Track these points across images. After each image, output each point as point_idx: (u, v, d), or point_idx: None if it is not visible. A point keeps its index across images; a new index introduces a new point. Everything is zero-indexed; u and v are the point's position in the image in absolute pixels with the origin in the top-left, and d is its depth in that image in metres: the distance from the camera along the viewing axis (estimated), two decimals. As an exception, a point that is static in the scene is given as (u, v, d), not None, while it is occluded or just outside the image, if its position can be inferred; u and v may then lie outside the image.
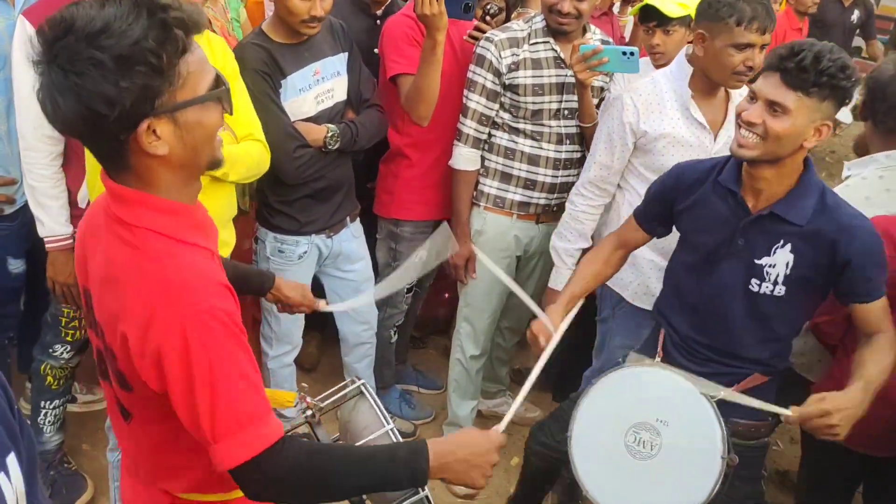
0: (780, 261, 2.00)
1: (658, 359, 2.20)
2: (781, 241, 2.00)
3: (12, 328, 3.01)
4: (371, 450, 1.49)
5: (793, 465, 3.10)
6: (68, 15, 1.21)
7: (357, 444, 1.71)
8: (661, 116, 2.46)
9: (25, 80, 2.40)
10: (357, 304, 2.60)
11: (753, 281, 2.03)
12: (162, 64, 1.21)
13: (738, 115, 1.96)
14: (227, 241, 2.56)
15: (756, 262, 2.02)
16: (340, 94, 2.79)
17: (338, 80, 2.77)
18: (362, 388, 1.80)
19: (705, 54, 2.36)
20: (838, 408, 1.81)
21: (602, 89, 2.90)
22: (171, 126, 1.26)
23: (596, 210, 2.68)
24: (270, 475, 1.33)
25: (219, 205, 2.39)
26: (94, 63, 1.18)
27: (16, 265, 2.78)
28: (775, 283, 2.02)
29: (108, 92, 1.18)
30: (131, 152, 1.26)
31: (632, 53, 2.49)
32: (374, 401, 1.76)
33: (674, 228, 2.26)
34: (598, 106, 2.83)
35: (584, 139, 2.85)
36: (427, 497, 1.67)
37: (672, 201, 2.18)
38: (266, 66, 2.58)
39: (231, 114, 1.37)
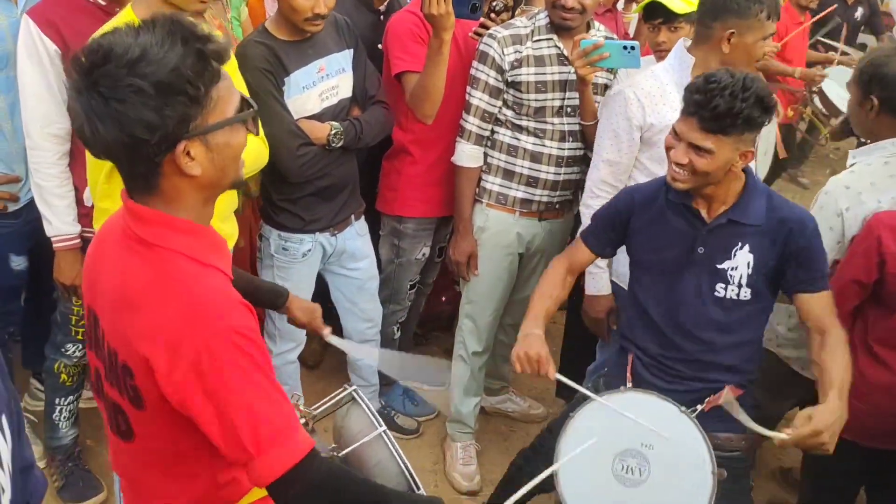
0: (741, 262, 2.07)
1: (629, 384, 2.19)
2: (739, 243, 2.07)
3: (14, 324, 3.03)
4: (396, 492, 1.58)
5: (795, 463, 3.10)
6: (106, 43, 1.24)
7: (351, 447, 1.73)
8: (665, 108, 2.46)
9: (31, 80, 2.40)
10: (358, 354, 2.59)
11: (718, 286, 2.09)
12: (199, 93, 1.26)
13: (667, 150, 2.04)
14: (230, 233, 2.56)
15: (718, 266, 2.08)
16: (345, 90, 2.79)
17: (342, 76, 2.77)
18: (354, 395, 1.82)
19: (732, 51, 2.38)
20: (827, 424, 1.84)
21: (606, 87, 2.90)
22: (202, 148, 1.31)
23: None
24: (307, 484, 1.36)
25: (221, 201, 2.38)
26: (134, 90, 1.22)
27: (18, 262, 2.79)
28: (739, 285, 2.08)
29: (148, 118, 1.23)
30: (163, 174, 1.31)
31: (633, 48, 2.48)
32: (366, 405, 1.79)
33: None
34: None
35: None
36: (385, 431, 1.75)
37: (625, 224, 2.23)
38: (269, 64, 2.58)
39: (257, 135, 1.42)
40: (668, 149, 2.04)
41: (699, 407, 2.07)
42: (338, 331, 3.26)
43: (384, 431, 1.74)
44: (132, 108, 1.22)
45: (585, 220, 2.60)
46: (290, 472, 1.33)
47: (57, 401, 2.87)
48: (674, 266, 2.13)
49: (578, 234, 2.37)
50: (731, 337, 2.12)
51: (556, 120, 2.79)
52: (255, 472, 1.33)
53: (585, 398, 2.07)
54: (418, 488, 1.73)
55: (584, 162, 2.94)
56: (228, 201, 2.49)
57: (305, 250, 2.82)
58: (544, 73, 2.76)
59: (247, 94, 2.40)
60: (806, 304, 2.07)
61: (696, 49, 2.46)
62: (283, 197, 2.77)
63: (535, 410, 3.57)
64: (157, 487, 1.50)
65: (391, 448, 1.75)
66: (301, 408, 1.81)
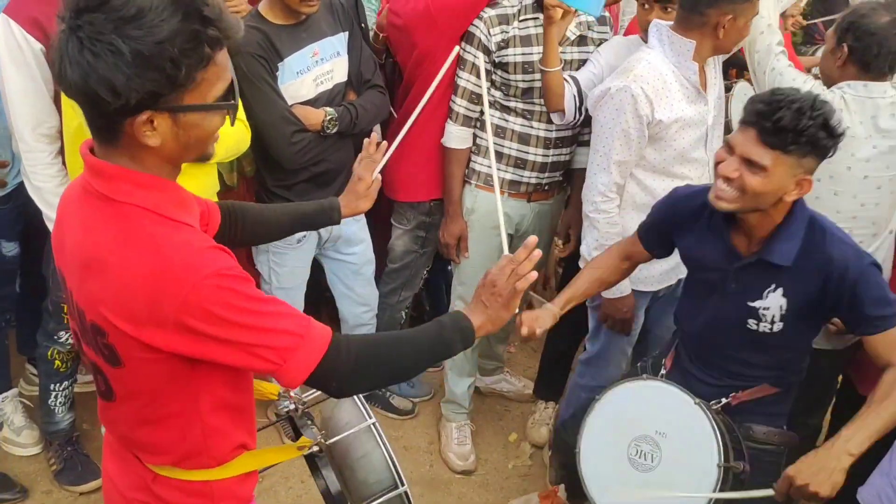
0: (773, 304, 1.97)
1: (665, 370, 2.23)
2: (773, 285, 1.96)
3: (9, 310, 3.03)
4: (419, 328, 1.56)
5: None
6: None
7: (338, 437, 1.74)
8: (670, 102, 2.43)
9: (16, 83, 2.36)
10: None
11: (750, 321, 2.02)
12: (178, 74, 1.18)
13: (716, 165, 1.92)
14: None
15: (750, 304, 2.00)
16: (340, 75, 2.75)
17: (337, 60, 2.73)
18: None
19: (726, 35, 2.36)
20: (803, 475, 1.73)
21: (581, 63, 2.83)
22: (169, 122, 1.24)
23: (625, 205, 2.62)
24: (341, 370, 1.40)
25: (200, 183, 2.39)
26: (112, 50, 1.15)
27: (9, 248, 2.79)
28: (772, 322, 1.99)
29: (115, 82, 1.15)
30: (123, 133, 1.24)
31: None
32: (358, 396, 1.79)
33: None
34: (580, 97, 2.72)
35: None
36: (406, 493, 1.73)
37: (668, 233, 2.18)
38: (262, 49, 2.54)
39: (233, 125, 1.36)
40: (717, 163, 1.91)
41: (724, 400, 2.07)
42: (334, 315, 3.30)
43: (373, 424, 1.75)
44: (103, 66, 1.15)
45: (603, 228, 2.52)
46: (320, 367, 1.37)
47: (52, 386, 2.88)
48: (710, 290, 2.07)
49: (637, 231, 2.31)
50: (766, 359, 2.07)
51: (543, 101, 2.75)
52: (285, 378, 1.36)
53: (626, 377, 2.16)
54: (403, 484, 1.74)
55: (572, 143, 2.93)
56: (209, 186, 2.48)
57: (300, 236, 2.82)
58: (531, 54, 2.72)
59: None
60: (873, 346, 1.92)
61: (686, 34, 2.41)
62: (278, 183, 2.76)
63: (529, 390, 3.60)
64: (140, 444, 1.50)
65: (379, 441, 1.75)
66: (291, 394, 1.82)
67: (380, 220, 3.26)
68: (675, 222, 2.14)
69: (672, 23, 2.46)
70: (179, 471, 1.49)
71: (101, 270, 1.29)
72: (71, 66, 1.17)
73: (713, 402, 2.07)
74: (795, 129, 1.76)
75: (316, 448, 1.72)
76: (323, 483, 1.71)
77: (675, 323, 2.33)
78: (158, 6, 1.16)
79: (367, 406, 1.82)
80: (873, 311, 1.88)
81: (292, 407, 1.81)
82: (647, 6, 2.65)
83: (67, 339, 2.79)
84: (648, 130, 2.44)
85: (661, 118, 2.41)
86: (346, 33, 2.76)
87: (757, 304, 1.99)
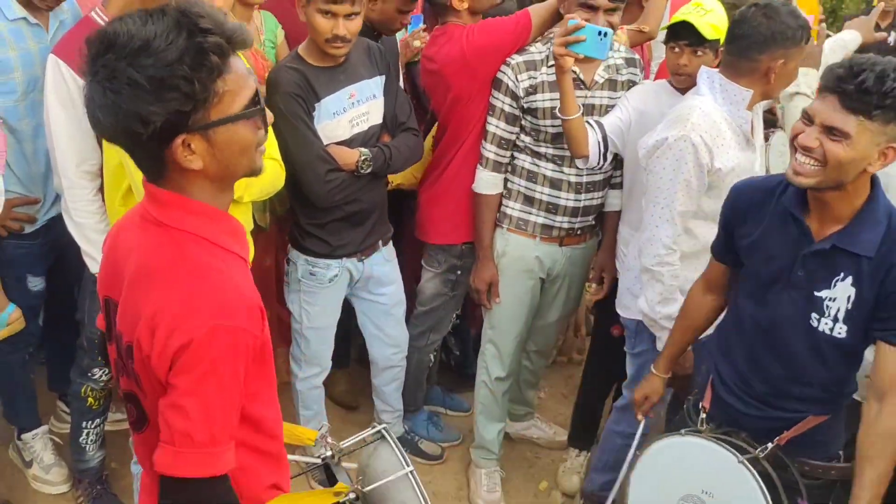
0: (840, 294, 1.86)
1: (704, 412, 2.16)
2: (842, 274, 1.86)
3: (32, 345, 3.04)
4: None
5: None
6: (111, 31, 1.24)
7: (376, 484, 1.71)
8: (726, 150, 2.37)
9: (62, 121, 2.42)
10: None
11: (813, 315, 1.91)
12: (194, 89, 1.23)
13: (793, 139, 1.84)
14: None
15: (816, 294, 1.89)
16: (376, 117, 2.80)
17: (373, 102, 2.78)
18: (384, 433, 1.81)
19: (777, 78, 2.33)
20: None
21: (631, 84, 2.84)
22: (203, 142, 1.29)
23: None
24: (194, 501, 1.34)
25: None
26: (130, 83, 1.21)
27: (35, 283, 2.82)
28: (835, 319, 1.88)
29: (142, 111, 1.22)
30: (167, 164, 1.31)
31: (605, 34, 2.43)
32: (395, 444, 1.78)
33: None
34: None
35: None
36: (412, 472, 1.72)
37: (734, 226, 2.07)
38: (300, 89, 2.59)
39: (266, 131, 1.39)
40: (794, 136, 1.82)
41: (770, 445, 1.98)
42: (363, 356, 3.28)
43: (411, 472, 1.73)
44: (127, 100, 1.21)
45: (668, 281, 2.45)
46: (193, 481, 1.31)
47: (84, 424, 2.89)
48: (774, 281, 1.96)
49: (710, 248, 2.26)
50: (818, 368, 1.95)
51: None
52: (165, 458, 1.31)
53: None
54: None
55: (604, 187, 2.92)
56: (243, 220, 2.50)
57: (332, 275, 2.82)
58: (559, 98, 2.70)
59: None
60: (882, 358, 1.85)
61: (736, 80, 2.37)
62: (311, 222, 2.78)
63: (560, 437, 3.53)
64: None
65: (417, 490, 1.72)
66: (329, 440, 1.79)
67: (409, 262, 3.27)
68: (739, 214, 2.05)
69: (718, 69, 2.44)
70: None
71: (149, 284, 1.33)
72: (101, 111, 1.24)
73: (761, 448, 1.98)
74: (880, 91, 1.68)
75: (353, 496, 1.69)
76: None
77: (707, 355, 2.26)
78: (161, 33, 1.22)
79: (405, 454, 1.79)
80: None
81: (329, 454, 1.79)
82: (677, 49, 2.65)
83: (101, 376, 2.80)
84: (707, 179, 2.39)
85: (719, 167, 2.36)
86: (383, 77, 2.81)
87: (824, 293, 1.88)
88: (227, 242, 1.38)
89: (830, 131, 1.75)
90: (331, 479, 1.78)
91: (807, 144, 1.78)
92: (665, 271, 2.46)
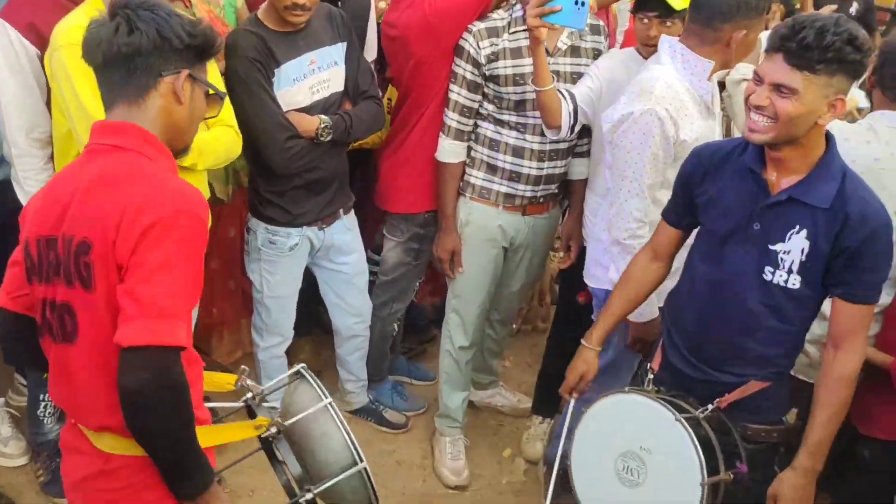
0: (794, 247, 1.91)
1: (652, 373, 2.18)
2: (797, 227, 1.90)
3: None
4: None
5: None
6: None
7: (296, 417, 1.75)
8: (690, 120, 2.37)
9: (11, 88, 2.35)
10: None
11: (767, 269, 1.95)
12: (211, 47, 1.60)
13: (747, 99, 1.88)
14: None
15: (770, 247, 1.92)
16: (337, 84, 2.76)
17: (335, 70, 2.74)
18: (302, 371, 1.85)
19: (738, 48, 2.33)
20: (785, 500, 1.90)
21: (596, 52, 2.83)
22: (190, 90, 1.56)
23: None
24: (153, 373, 1.40)
25: None
26: (172, 15, 1.54)
27: None
28: (789, 271, 1.93)
29: (180, 33, 1.52)
30: (155, 90, 1.53)
31: (583, 3, 2.38)
32: (314, 381, 1.82)
33: None
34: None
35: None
36: (365, 469, 1.76)
37: (693, 185, 2.10)
38: (258, 54, 2.55)
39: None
40: (747, 97, 1.87)
41: (710, 407, 2.02)
42: (326, 325, 3.27)
43: (330, 404, 1.76)
44: (170, 22, 1.51)
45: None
46: (152, 350, 1.39)
47: (41, 396, 2.84)
48: (730, 234, 2.00)
49: (661, 214, 2.26)
50: (772, 322, 1.99)
51: (536, 114, 2.72)
52: (132, 330, 1.39)
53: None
54: (361, 460, 1.75)
55: (566, 155, 2.91)
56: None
57: (293, 244, 2.80)
58: (522, 66, 2.70)
59: (218, 75, 2.44)
60: (838, 309, 1.93)
61: (698, 50, 2.36)
62: (271, 189, 2.74)
63: (524, 404, 3.55)
64: (98, 401, 1.52)
65: (336, 420, 1.75)
66: (249, 382, 1.82)
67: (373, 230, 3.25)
68: (700, 173, 2.07)
69: (679, 38, 2.43)
70: (128, 443, 1.51)
71: (108, 191, 1.47)
72: (144, 23, 1.49)
73: (701, 409, 2.02)
74: (820, 45, 1.73)
75: (274, 429, 1.73)
76: (282, 472, 1.75)
77: (663, 314, 2.28)
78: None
79: (324, 389, 1.81)
80: (865, 276, 1.89)
81: (250, 395, 1.83)
82: (646, 21, 2.63)
83: None
84: (673, 150, 2.39)
85: (684, 138, 2.36)
86: (345, 44, 2.77)
87: (778, 246, 1.93)
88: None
89: (779, 88, 1.80)
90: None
91: (758, 103, 1.83)
92: (636, 244, 2.45)
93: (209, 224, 1.56)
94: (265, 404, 1.84)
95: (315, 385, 1.81)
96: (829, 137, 1.91)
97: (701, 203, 2.07)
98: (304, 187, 2.73)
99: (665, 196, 2.46)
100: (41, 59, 2.33)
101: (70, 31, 2.14)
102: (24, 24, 2.32)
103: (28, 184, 2.44)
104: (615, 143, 2.43)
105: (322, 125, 2.65)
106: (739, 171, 1.98)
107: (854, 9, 6.69)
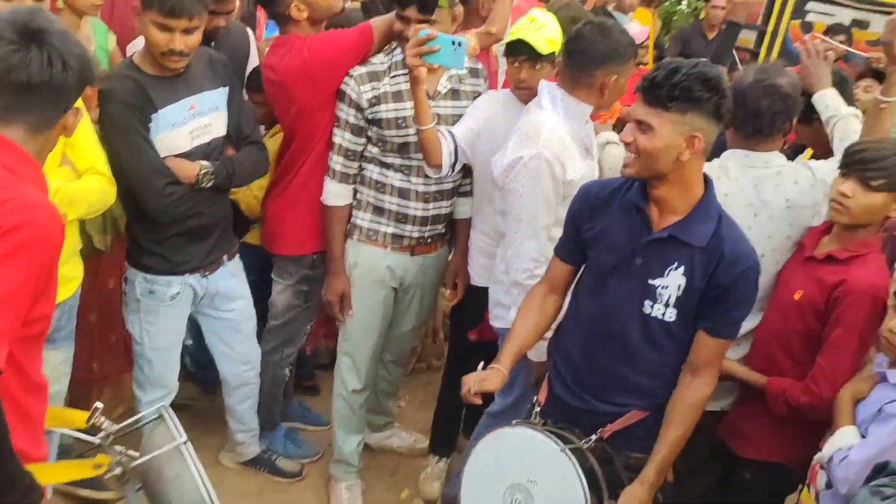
0: (672, 282, 2.01)
1: (539, 406, 2.23)
2: (676, 263, 2.00)
3: None
4: None
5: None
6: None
7: (147, 456, 1.72)
8: (574, 161, 2.46)
9: None
10: None
11: (646, 302, 2.04)
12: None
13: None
14: (72, 276, 2.48)
15: (650, 282, 2.02)
16: (219, 129, 2.71)
17: (216, 115, 2.69)
18: (163, 412, 1.82)
19: (610, 93, 2.47)
20: None
21: (476, 94, 2.89)
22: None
23: None
24: None
25: None
26: (85, 50, 1.59)
27: None
28: (667, 304, 2.02)
29: (95, 73, 1.60)
30: (57, 125, 1.58)
31: (459, 44, 2.46)
32: (172, 421, 1.78)
33: None
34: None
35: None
36: (186, 443, 1.74)
37: (581, 222, 2.18)
38: (135, 99, 2.49)
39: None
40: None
41: (592, 438, 2.08)
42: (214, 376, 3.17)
43: (185, 443, 1.73)
44: (93, 64, 1.57)
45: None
46: None
47: None
48: (614, 269, 2.08)
49: (554, 250, 2.32)
50: (651, 354, 2.09)
51: (420, 156, 2.75)
52: None
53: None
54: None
55: (452, 195, 2.96)
56: (69, 244, 2.37)
57: (174, 293, 2.71)
58: (404, 109, 2.74)
59: (88, 122, 2.41)
60: (700, 343, 2.05)
61: (573, 94, 2.49)
62: (150, 237, 2.66)
63: (420, 444, 3.54)
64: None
65: (190, 462, 1.71)
66: (103, 421, 1.76)
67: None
68: (586, 210, 2.16)
69: (557, 82, 2.53)
70: None
71: None
72: (72, 62, 1.52)
73: (585, 440, 2.08)
74: (669, 84, 1.87)
75: (119, 470, 1.67)
76: None
77: (550, 349, 2.33)
78: None
79: (181, 429, 1.77)
80: (730, 313, 2.03)
81: (103, 434, 1.77)
82: (516, 64, 2.72)
83: None
84: (562, 191, 2.47)
85: (571, 178, 2.45)
86: (226, 88, 2.73)
87: (657, 281, 2.02)
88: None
89: (640, 125, 1.94)
90: None
91: (625, 139, 1.98)
92: (535, 283, 2.51)
93: (61, 248, 1.52)
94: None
95: (172, 426, 1.76)
96: (707, 181, 2.04)
97: (588, 238, 2.15)
98: (184, 234, 2.66)
99: (559, 233, 2.55)
100: None
101: None
102: None
103: None
104: (507, 188, 2.50)
105: (203, 171, 2.59)
106: (625, 208, 2.07)
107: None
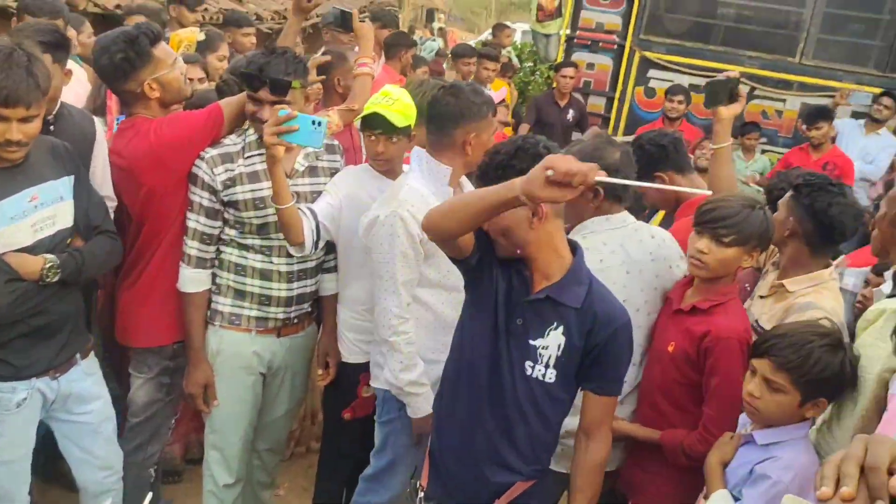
0: (552, 342, 2.06)
1: (422, 490, 2.21)
2: (555, 323, 2.05)
3: None
4: None
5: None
6: None
7: None
8: None
9: None
10: None
11: (527, 363, 2.07)
12: None
13: None
14: None
15: (531, 342, 2.06)
16: (64, 220, 2.56)
17: (61, 205, 2.55)
18: None
19: (473, 149, 2.54)
20: None
21: (333, 171, 2.90)
22: None
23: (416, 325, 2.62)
24: None
25: None
26: None
27: None
28: (547, 365, 2.06)
29: None
30: None
31: (319, 123, 2.48)
32: None
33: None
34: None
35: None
36: None
37: (491, 250, 2.17)
38: None
39: None
40: None
41: None
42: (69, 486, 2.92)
43: None
44: None
45: (405, 349, 2.54)
46: None
47: None
48: (497, 327, 2.10)
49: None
50: (533, 417, 2.11)
51: (281, 235, 2.72)
52: None
53: None
54: None
55: (316, 273, 2.93)
56: None
57: (20, 399, 2.49)
58: (261, 189, 2.71)
59: None
60: (588, 404, 2.12)
61: (439, 156, 2.56)
62: (-9, 340, 2.46)
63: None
64: None
65: None
66: None
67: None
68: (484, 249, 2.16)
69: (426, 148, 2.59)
70: None
71: None
72: None
73: None
74: (492, 165, 2.08)
75: None
76: None
77: (435, 407, 2.32)
78: None
79: None
80: (610, 371, 2.10)
81: None
82: (373, 138, 2.76)
83: None
84: (421, 249, 2.52)
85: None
86: (72, 177, 2.61)
87: (538, 342, 2.06)
88: None
89: None
90: None
91: None
92: (400, 339, 2.55)
93: None
94: None
95: None
96: (575, 247, 2.12)
97: (476, 280, 2.15)
98: (29, 335, 2.47)
99: (427, 294, 2.59)
100: None
101: None
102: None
103: None
104: (369, 246, 2.56)
105: (48, 265, 2.44)
106: (511, 269, 2.12)
107: (571, 115, 7.55)
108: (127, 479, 2.93)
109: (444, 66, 9.09)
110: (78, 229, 2.63)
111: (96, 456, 2.78)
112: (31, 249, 2.46)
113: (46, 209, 2.52)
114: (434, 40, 11.70)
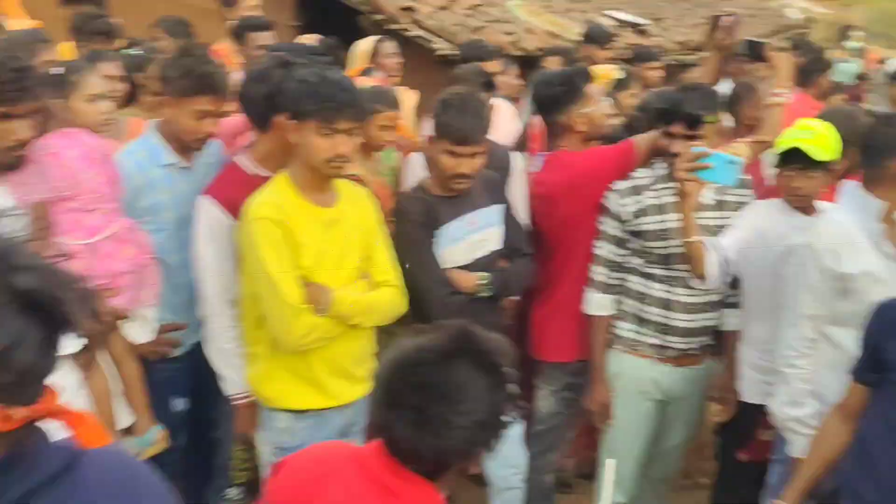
0: None
1: None
2: None
3: (174, 463, 3.01)
4: None
5: None
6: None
7: None
8: (858, 255, 2.35)
9: (211, 258, 2.61)
10: None
11: None
12: None
13: None
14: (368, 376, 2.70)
15: None
16: (494, 243, 2.93)
17: (492, 230, 2.92)
18: None
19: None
20: None
21: (721, 227, 2.85)
22: None
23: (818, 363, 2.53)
24: None
25: (358, 345, 2.58)
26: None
27: (178, 404, 2.92)
28: None
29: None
30: None
31: (734, 162, 2.48)
32: None
33: None
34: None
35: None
36: None
37: (878, 341, 2.06)
38: (424, 217, 2.78)
39: None
40: None
41: None
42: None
43: None
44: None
45: (795, 384, 2.44)
46: None
47: None
48: None
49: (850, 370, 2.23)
50: None
51: (684, 267, 2.78)
52: None
53: None
54: None
55: (717, 307, 2.91)
56: (367, 347, 2.64)
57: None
58: (667, 221, 2.80)
59: (385, 240, 2.62)
60: None
61: (871, 189, 2.38)
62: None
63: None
64: None
65: None
66: None
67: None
68: (885, 329, 2.04)
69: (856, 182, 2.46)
70: None
71: None
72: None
73: None
74: None
75: None
76: None
77: (851, 464, 2.15)
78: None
79: None
80: None
81: None
82: (790, 173, 2.67)
83: (235, 496, 2.96)
84: (837, 284, 2.38)
85: (850, 271, 2.35)
86: (502, 206, 2.97)
87: None
88: None
89: None
90: None
91: None
92: (791, 373, 2.44)
93: None
94: None
95: None
96: None
97: (890, 363, 2.01)
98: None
99: (838, 333, 2.43)
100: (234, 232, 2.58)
101: (260, 206, 2.43)
102: (227, 201, 2.58)
103: (221, 339, 2.64)
104: (780, 275, 2.52)
105: (480, 281, 2.81)
106: None
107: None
108: (529, 482, 3.19)
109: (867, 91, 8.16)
110: (503, 251, 2.98)
111: (504, 454, 3.07)
112: (468, 268, 2.86)
113: (481, 233, 2.90)
114: (848, 61, 10.65)
